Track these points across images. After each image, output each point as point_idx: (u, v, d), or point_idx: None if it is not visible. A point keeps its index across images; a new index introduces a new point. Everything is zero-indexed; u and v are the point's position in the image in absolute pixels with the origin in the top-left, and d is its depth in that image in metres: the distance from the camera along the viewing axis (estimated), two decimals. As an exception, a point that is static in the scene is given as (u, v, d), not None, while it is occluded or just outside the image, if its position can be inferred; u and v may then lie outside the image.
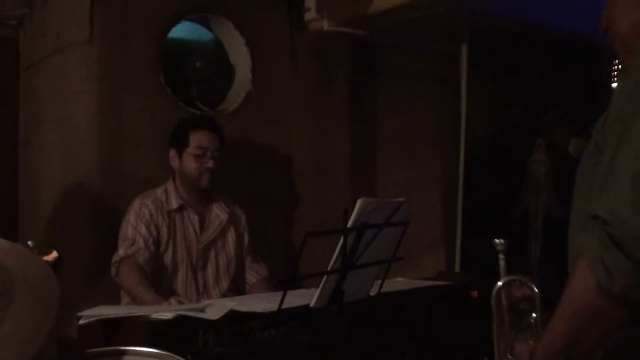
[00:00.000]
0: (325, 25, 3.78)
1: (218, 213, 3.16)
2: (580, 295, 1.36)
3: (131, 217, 3.02)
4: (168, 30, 3.50)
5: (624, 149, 1.36)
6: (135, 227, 2.98)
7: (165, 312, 2.26)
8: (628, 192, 1.30)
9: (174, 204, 3.07)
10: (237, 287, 3.21)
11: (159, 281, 3.00)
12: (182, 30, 3.65)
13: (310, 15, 3.79)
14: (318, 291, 2.18)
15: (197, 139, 3.06)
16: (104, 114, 3.36)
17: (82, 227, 3.38)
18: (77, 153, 3.42)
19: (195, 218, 3.10)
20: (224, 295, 3.09)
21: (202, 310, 2.31)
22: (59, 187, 3.49)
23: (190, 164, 3.06)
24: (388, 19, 3.80)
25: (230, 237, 3.18)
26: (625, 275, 1.29)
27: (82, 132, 3.40)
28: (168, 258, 3.03)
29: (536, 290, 1.75)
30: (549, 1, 4.19)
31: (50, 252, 2.04)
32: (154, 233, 3.00)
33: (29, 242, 2.07)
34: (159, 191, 3.10)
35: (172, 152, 3.11)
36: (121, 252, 2.94)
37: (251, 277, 3.24)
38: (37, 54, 3.66)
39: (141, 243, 2.95)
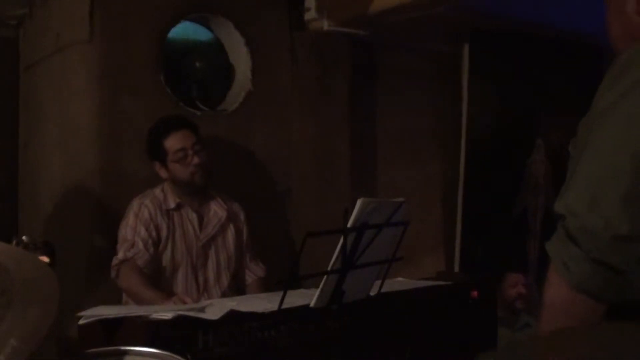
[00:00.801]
0: (325, 25, 3.78)
1: (217, 210, 3.16)
2: (550, 292, 1.40)
3: (130, 218, 3.01)
4: (168, 30, 3.51)
5: (587, 149, 1.40)
6: (134, 228, 2.98)
7: (165, 312, 2.25)
8: (585, 191, 1.35)
9: (171, 203, 3.07)
10: (238, 285, 3.21)
11: (159, 281, 3.00)
12: (182, 30, 3.65)
13: (310, 15, 3.79)
14: (318, 291, 2.18)
15: (172, 144, 3.03)
16: (104, 114, 3.36)
17: (82, 227, 3.38)
18: (77, 153, 3.42)
19: (193, 216, 3.10)
20: (224, 293, 3.09)
21: (202, 310, 2.30)
22: (59, 187, 3.49)
23: (178, 170, 3.04)
24: (388, 19, 3.80)
25: (230, 233, 3.18)
26: (580, 267, 1.33)
27: (82, 132, 3.40)
28: (168, 257, 3.03)
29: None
30: (550, 1, 4.19)
31: (43, 253, 2.04)
32: (153, 234, 3.00)
33: (24, 237, 2.07)
34: (157, 190, 3.09)
35: (157, 165, 3.09)
36: (120, 254, 2.95)
37: (247, 276, 3.24)
38: (37, 54, 3.67)
39: (140, 245, 2.95)
